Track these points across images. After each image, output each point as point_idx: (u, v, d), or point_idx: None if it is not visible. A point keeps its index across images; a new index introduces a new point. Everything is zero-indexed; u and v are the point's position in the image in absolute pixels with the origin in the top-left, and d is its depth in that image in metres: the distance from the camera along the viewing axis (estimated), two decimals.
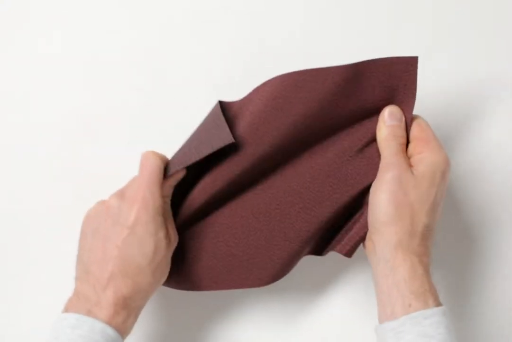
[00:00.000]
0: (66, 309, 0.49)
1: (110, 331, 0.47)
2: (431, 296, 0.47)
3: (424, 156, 0.50)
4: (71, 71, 0.62)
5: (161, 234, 0.49)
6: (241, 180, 0.53)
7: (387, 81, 0.52)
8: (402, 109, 0.52)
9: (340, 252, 0.53)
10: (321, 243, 0.55)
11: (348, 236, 0.53)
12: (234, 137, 0.51)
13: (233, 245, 0.53)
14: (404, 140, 0.52)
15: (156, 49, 0.60)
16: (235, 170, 0.52)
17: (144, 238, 0.49)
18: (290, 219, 0.53)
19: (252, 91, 0.54)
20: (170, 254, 0.51)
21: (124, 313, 0.48)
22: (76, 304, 0.48)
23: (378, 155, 0.53)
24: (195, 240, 0.54)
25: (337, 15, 0.63)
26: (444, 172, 0.50)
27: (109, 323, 0.47)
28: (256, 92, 0.54)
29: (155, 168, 0.50)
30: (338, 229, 0.54)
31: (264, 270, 0.53)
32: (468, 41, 0.64)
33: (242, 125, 0.53)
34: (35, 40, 0.62)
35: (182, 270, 0.54)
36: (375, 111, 0.53)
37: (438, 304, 0.47)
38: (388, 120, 0.52)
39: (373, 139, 0.53)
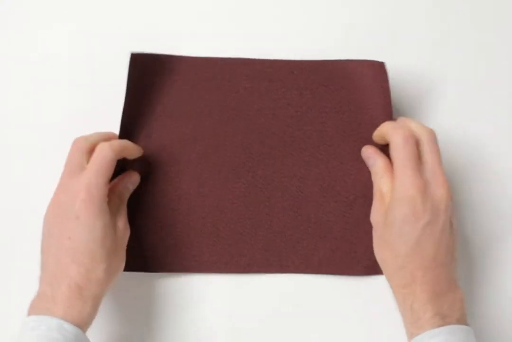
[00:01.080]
0: (29, 313, 0.48)
1: (67, 326, 0.47)
2: (427, 322, 0.49)
3: (392, 192, 0.51)
4: (72, 71, 0.62)
5: (107, 219, 0.50)
6: (233, 165, 0.57)
7: (370, 86, 0.57)
8: (381, 115, 0.56)
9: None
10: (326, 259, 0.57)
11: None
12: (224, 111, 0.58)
13: (220, 228, 0.57)
14: (379, 176, 0.54)
15: (157, 51, 0.60)
16: (225, 151, 0.57)
17: (91, 224, 0.49)
18: (277, 214, 0.57)
19: (249, 65, 0.58)
20: (120, 243, 0.52)
21: (79, 303, 0.48)
22: (37, 305, 0.49)
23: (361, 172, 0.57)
24: (183, 216, 0.57)
25: (337, 16, 0.64)
26: (409, 202, 0.50)
27: (65, 317, 0.47)
28: (252, 69, 0.58)
29: (103, 161, 0.51)
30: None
31: (243, 256, 0.57)
32: (469, 43, 0.64)
33: (233, 106, 0.58)
34: (37, 41, 0.63)
35: (167, 246, 0.57)
36: (362, 117, 0.57)
37: (443, 324, 0.48)
38: (367, 164, 0.56)
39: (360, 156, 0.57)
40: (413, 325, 0.49)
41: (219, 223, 0.57)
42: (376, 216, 0.53)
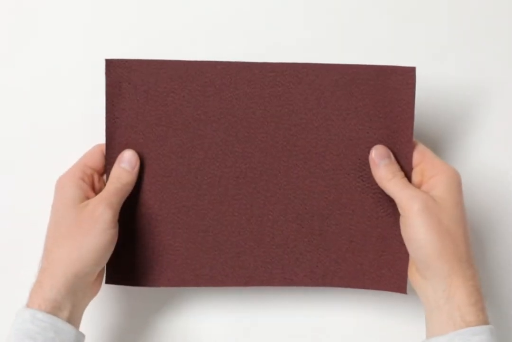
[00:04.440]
0: None
1: (40, 315, 0.47)
2: (474, 319, 0.48)
3: (437, 179, 0.51)
4: (77, 75, 0.62)
5: (69, 199, 0.51)
6: (233, 176, 0.54)
7: (383, 93, 0.53)
8: (401, 126, 0.53)
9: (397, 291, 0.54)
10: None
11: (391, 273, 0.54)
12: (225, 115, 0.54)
13: (221, 241, 0.54)
14: (402, 172, 0.52)
15: (160, 55, 0.60)
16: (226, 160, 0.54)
17: (52, 207, 0.52)
18: (280, 226, 0.55)
19: (250, 69, 0.54)
20: (86, 223, 0.50)
21: (40, 287, 0.48)
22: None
23: (371, 186, 0.54)
24: (182, 230, 0.55)
25: (347, 16, 0.64)
26: (459, 185, 0.51)
27: (34, 306, 0.48)
28: (253, 74, 0.54)
29: (85, 153, 0.54)
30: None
31: (245, 269, 0.55)
32: (481, 47, 0.64)
33: (237, 109, 0.54)
34: (41, 46, 0.63)
35: (166, 261, 0.55)
36: (372, 125, 0.53)
37: (483, 323, 0.48)
38: (380, 163, 0.52)
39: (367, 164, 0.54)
40: (452, 319, 0.48)
41: (219, 236, 0.55)
42: (426, 204, 0.49)
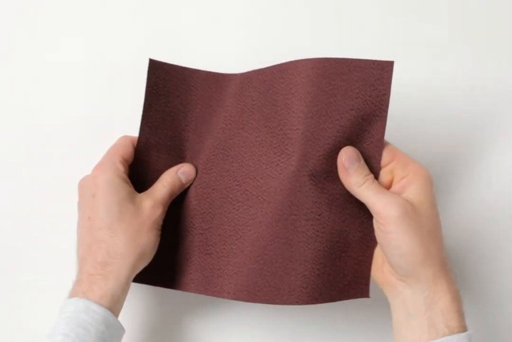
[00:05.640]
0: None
1: (95, 307, 0.47)
2: (457, 325, 0.46)
3: (411, 179, 0.49)
4: (78, 77, 0.62)
5: (123, 195, 0.50)
6: (229, 180, 0.53)
7: (359, 87, 0.49)
8: (372, 125, 0.49)
9: (363, 296, 0.51)
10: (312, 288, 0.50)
11: (356, 279, 0.51)
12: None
13: (202, 250, 0.54)
14: (372, 174, 0.49)
15: (159, 55, 0.61)
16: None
17: (106, 199, 0.50)
18: (249, 232, 0.52)
19: (261, 75, 0.53)
20: (146, 221, 0.51)
21: (102, 281, 0.48)
22: (72, 289, 0.49)
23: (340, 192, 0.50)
24: (185, 234, 0.54)
25: (347, 16, 0.64)
26: (432, 186, 0.49)
27: (91, 298, 0.47)
28: (258, 81, 0.53)
29: (117, 144, 0.54)
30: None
31: (219, 277, 0.53)
32: (481, 47, 0.65)
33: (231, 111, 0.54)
34: (43, 48, 0.63)
35: (162, 264, 0.54)
36: (343, 123, 0.49)
37: (464, 329, 0.47)
38: (350, 167, 0.49)
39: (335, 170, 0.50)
40: (435, 326, 0.46)
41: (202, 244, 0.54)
42: (405, 209, 0.47)
